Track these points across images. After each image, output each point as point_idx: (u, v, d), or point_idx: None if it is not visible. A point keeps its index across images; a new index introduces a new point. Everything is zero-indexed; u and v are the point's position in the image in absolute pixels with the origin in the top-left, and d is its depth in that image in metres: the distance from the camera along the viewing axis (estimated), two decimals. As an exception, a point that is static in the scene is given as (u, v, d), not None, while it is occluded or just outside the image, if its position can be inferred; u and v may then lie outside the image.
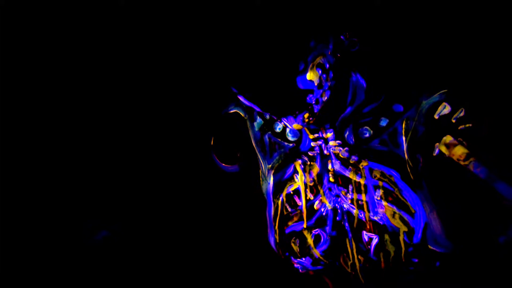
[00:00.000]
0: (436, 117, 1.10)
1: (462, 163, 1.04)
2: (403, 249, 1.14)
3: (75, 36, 1.43)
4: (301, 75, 1.05)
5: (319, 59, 1.06)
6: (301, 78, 1.05)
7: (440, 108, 1.10)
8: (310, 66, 1.05)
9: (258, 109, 1.10)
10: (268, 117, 1.27)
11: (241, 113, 1.33)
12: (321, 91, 1.08)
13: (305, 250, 1.23)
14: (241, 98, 1.08)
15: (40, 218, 1.43)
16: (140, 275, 1.45)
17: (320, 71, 1.06)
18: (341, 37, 1.08)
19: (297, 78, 1.05)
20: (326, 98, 1.10)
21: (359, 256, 1.17)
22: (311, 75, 1.05)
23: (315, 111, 1.10)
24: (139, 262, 1.47)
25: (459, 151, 1.05)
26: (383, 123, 1.16)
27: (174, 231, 1.50)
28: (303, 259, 1.24)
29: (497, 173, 1.01)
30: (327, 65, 1.07)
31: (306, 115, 1.09)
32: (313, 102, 1.09)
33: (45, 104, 1.46)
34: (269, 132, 1.30)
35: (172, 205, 1.51)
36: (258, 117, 1.31)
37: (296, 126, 1.11)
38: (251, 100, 1.08)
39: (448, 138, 1.07)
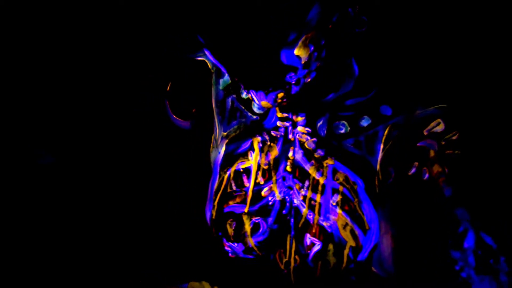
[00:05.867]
0: (425, 132, 0.94)
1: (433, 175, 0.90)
2: (344, 264, 1.02)
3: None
4: (289, 47, 0.83)
5: (315, 32, 0.84)
6: (287, 51, 0.83)
7: (433, 124, 0.93)
8: (303, 39, 0.83)
9: (224, 71, 0.89)
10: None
11: (208, 64, 1.13)
12: (306, 71, 0.88)
13: (239, 236, 1.10)
14: (207, 53, 0.87)
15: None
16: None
17: (312, 48, 0.85)
18: (349, 9, 0.86)
19: (282, 50, 0.83)
20: (309, 79, 0.90)
21: (296, 256, 1.05)
22: (300, 51, 0.84)
23: (292, 92, 0.90)
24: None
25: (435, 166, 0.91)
26: (365, 123, 0.99)
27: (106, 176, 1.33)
28: (236, 244, 1.11)
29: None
30: (323, 42, 0.86)
31: (280, 95, 0.90)
32: (293, 82, 0.89)
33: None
34: (234, 95, 1.12)
35: (115, 150, 1.33)
36: (227, 74, 1.12)
37: (264, 104, 0.92)
38: (220, 58, 0.87)
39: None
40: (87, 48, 1.27)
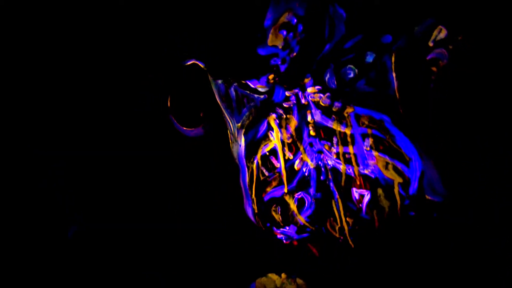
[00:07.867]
0: (431, 44, 0.94)
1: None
2: (399, 203, 1.01)
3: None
4: (261, 45, 0.86)
5: (283, 18, 0.86)
6: (261, 48, 0.86)
7: (435, 33, 0.94)
8: (271, 31, 0.85)
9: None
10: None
11: (200, 64, 1.13)
12: (287, 50, 0.90)
13: (288, 217, 1.09)
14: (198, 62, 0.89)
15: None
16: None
17: (284, 33, 0.87)
18: None
19: (257, 48, 0.85)
20: (294, 54, 0.92)
21: (347, 219, 1.03)
22: (273, 41, 0.86)
23: (281, 70, 0.92)
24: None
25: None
26: (370, 58, 1.00)
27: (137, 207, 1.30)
28: (287, 228, 1.10)
29: None
30: (294, 20, 0.88)
31: (271, 76, 0.93)
32: (279, 63, 0.91)
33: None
34: (235, 84, 1.12)
35: (132, 178, 1.31)
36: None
37: (260, 87, 0.93)
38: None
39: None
40: (87, 49, 1.25)
